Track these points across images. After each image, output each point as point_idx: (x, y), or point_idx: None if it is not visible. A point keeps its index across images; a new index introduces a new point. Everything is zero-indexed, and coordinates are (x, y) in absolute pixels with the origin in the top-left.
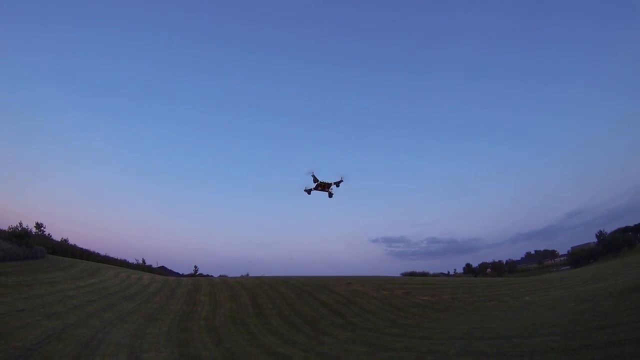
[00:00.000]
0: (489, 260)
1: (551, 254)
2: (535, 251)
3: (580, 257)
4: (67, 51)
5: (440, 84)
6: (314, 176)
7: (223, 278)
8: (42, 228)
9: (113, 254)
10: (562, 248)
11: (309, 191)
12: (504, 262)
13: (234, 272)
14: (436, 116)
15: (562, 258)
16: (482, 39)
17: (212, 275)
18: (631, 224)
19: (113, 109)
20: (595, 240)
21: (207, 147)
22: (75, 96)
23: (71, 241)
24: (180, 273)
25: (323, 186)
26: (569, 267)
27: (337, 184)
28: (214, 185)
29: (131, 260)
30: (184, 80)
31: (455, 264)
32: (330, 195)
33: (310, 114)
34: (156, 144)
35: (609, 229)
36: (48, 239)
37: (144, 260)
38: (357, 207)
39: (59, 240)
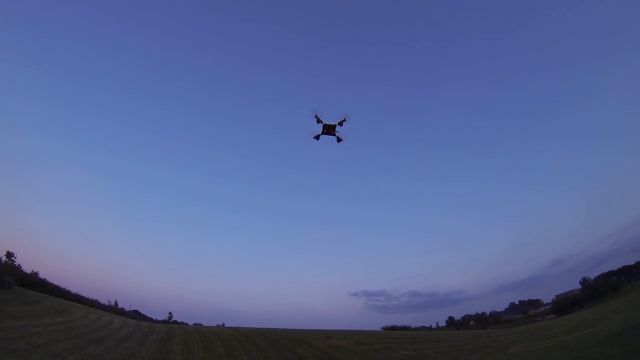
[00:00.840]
0: (472, 312)
1: (536, 303)
2: (520, 301)
3: (565, 304)
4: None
5: (421, 133)
6: (317, 117)
7: (198, 327)
8: (13, 258)
9: (85, 292)
10: (547, 297)
11: (317, 137)
12: (488, 313)
13: (209, 321)
14: (418, 168)
15: (546, 307)
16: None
17: (186, 323)
18: (614, 268)
19: (99, 143)
20: (580, 286)
21: (191, 191)
22: (61, 126)
23: (42, 275)
24: (154, 318)
25: (328, 129)
26: (554, 315)
27: (341, 123)
28: (195, 231)
29: (103, 301)
30: (166, 119)
31: (438, 318)
32: (339, 140)
33: (294, 160)
34: (140, 185)
35: (592, 274)
36: (17, 269)
37: (116, 303)
38: (338, 260)
39: (29, 272)
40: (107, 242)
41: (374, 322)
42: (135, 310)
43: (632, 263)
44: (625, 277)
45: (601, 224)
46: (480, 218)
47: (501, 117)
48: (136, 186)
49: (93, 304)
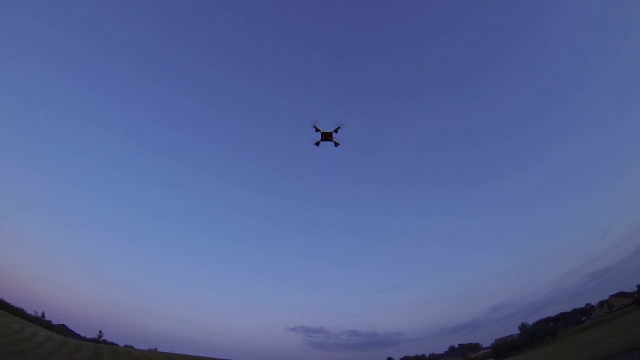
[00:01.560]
0: (411, 354)
1: (475, 347)
2: (459, 345)
3: (503, 349)
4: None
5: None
6: (315, 126)
7: (128, 349)
8: None
9: (9, 299)
10: (486, 341)
11: (317, 143)
12: (427, 355)
13: (141, 344)
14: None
15: (485, 350)
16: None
17: (117, 344)
18: (552, 314)
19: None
20: (518, 331)
21: (134, 198)
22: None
23: None
24: (82, 335)
25: (326, 136)
26: (492, 359)
27: (336, 130)
28: (134, 243)
29: (29, 311)
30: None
31: (376, 358)
32: (336, 144)
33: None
34: (80, 186)
35: (531, 320)
36: None
37: (43, 314)
38: (280, 291)
39: None
40: (38, 246)
41: (312, 358)
42: (63, 324)
43: (568, 310)
44: (562, 324)
45: (541, 273)
46: (425, 262)
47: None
48: (75, 187)
49: (17, 312)
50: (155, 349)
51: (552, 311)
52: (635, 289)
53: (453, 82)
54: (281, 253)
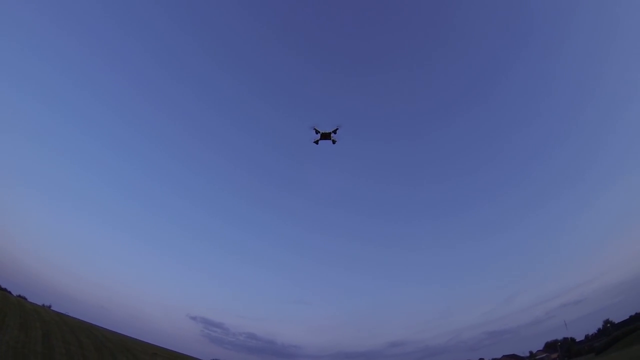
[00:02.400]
0: None
1: None
2: None
3: None
4: None
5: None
6: (315, 129)
7: (21, 299)
8: None
9: None
10: None
11: (317, 142)
12: None
13: (35, 297)
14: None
15: None
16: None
17: (8, 291)
18: None
19: None
20: None
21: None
22: None
23: None
24: None
25: (324, 136)
26: None
27: (335, 131)
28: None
29: None
30: None
31: None
32: (334, 142)
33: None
34: None
35: None
36: None
37: None
38: (190, 275)
39: None
40: None
41: (205, 352)
42: None
43: None
44: None
45: (446, 321)
46: (339, 284)
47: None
48: None
49: None
50: (50, 306)
51: (446, 359)
52: (528, 354)
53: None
54: (200, 238)
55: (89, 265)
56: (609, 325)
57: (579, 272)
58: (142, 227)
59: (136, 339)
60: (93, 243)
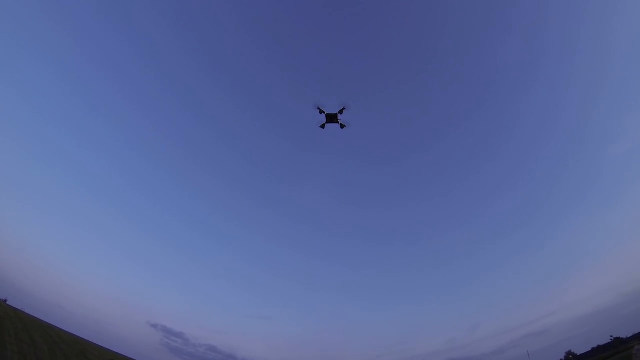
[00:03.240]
0: None
1: None
2: None
3: None
4: None
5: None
6: (319, 108)
7: None
8: None
9: None
10: None
11: (323, 126)
12: None
13: None
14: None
15: None
16: None
17: None
18: None
19: None
20: None
21: None
22: None
23: None
24: None
25: (331, 118)
26: None
27: (341, 112)
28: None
29: None
30: None
31: None
32: (342, 126)
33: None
34: None
35: None
36: None
37: None
38: (151, 283)
39: None
40: None
41: None
42: None
43: None
44: None
45: (410, 345)
46: (306, 304)
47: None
48: None
49: None
50: (5, 300)
51: None
52: None
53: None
54: (165, 245)
55: (49, 261)
56: (571, 356)
57: (544, 304)
58: (107, 227)
59: (92, 342)
60: (57, 240)
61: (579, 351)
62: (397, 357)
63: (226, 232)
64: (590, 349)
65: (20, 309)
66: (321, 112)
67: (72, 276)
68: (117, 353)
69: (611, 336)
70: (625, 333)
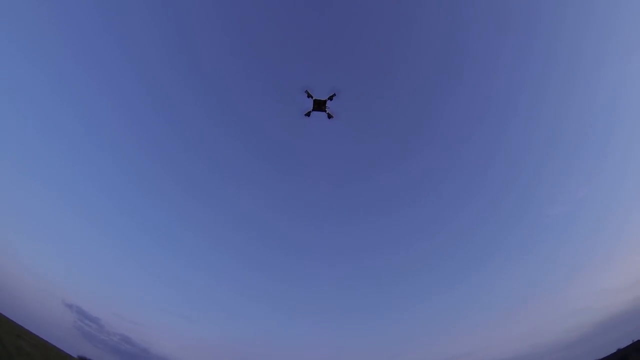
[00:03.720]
0: None
1: None
2: None
3: None
4: None
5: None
6: (307, 92)
7: None
8: None
9: None
10: None
11: (308, 114)
12: None
13: None
14: None
15: None
16: None
17: None
18: None
19: None
20: None
21: None
22: None
23: None
24: None
25: (319, 104)
26: None
27: (331, 98)
28: None
29: None
30: None
31: None
32: (330, 116)
33: None
34: None
35: None
36: None
37: None
38: (72, 256)
39: None
40: None
41: (74, 345)
42: None
43: None
44: None
45: None
46: (233, 309)
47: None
48: None
49: None
50: None
51: None
52: None
53: None
54: (90, 220)
55: None
56: None
57: (462, 344)
58: (28, 195)
59: (3, 314)
60: None
61: None
62: None
63: (159, 223)
64: None
65: None
66: (309, 96)
67: None
68: (25, 329)
69: None
70: None
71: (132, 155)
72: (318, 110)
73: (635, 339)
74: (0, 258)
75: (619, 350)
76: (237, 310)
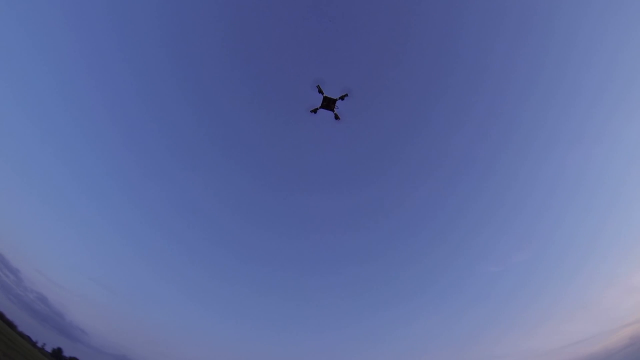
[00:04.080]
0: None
1: None
2: None
3: None
4: None
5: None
6: (319, 87)
7: None
8: None
9: None
10: None
11: (315, 110)
12: None
13: None
14: None
15: None
16: None
17: None
18: None
19: None
20: None
21: None
22: None
23: None
24: None
25: (328, 102)
26: None
27: (342, 97)
28: None
29: None
30: None
31: (47, 340)
32: (337, 117)
33: None
34: None
35: None
36: None
37: None
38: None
39: None
40: None
41: None
42: None
43: None
44: None
45: None
46: (158, 289)
47: None
48: None
49: None
50: None
51: None
52: None
53: None
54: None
55: None
56: None
57: None
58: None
59: None
60: None
61: None
62: None
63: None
64: None
65: None
66: (320, 91)
67: None
68: None
69: None
70: None
71: None
72: (326, 109)
73: None
74: None
75: None
76: (163, 294)
